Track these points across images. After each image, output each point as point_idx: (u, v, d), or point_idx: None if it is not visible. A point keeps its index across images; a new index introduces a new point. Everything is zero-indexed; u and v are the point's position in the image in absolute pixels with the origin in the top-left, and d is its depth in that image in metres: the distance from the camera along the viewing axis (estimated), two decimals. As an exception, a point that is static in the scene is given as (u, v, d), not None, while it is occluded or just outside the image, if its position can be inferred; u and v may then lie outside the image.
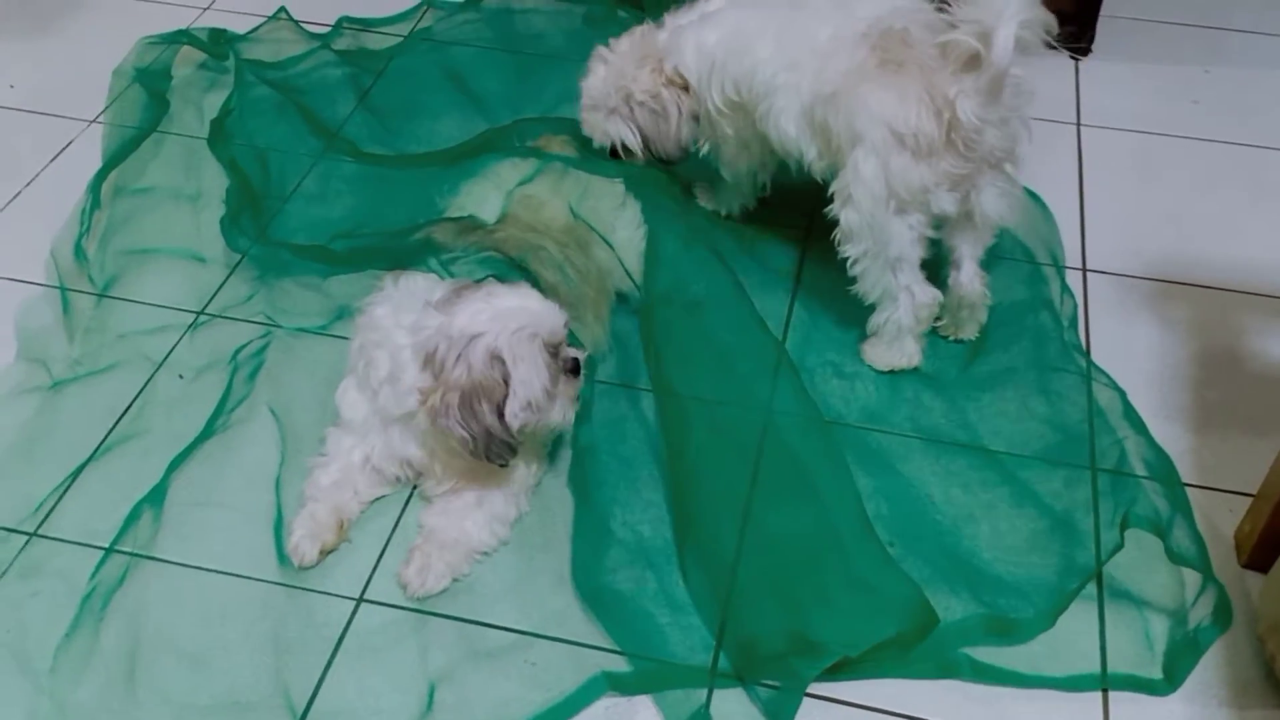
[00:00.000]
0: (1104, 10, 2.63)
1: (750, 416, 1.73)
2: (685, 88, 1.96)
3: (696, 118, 1.99)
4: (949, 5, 1.64)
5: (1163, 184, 2.33)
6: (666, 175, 2.07)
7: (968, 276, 1.88)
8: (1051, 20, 1.60)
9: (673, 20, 1.99)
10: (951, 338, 1.95)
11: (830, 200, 1.80)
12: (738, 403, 1.75)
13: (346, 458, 1.69)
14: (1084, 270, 2.12)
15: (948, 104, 1.65)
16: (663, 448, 1.74)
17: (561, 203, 1.93)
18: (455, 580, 1.61)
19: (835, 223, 1.81)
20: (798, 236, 2.13)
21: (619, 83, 1.98)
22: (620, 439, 1.79)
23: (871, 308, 1.86)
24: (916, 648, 1.52)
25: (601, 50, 2.03)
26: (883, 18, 1.74)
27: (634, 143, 2.01)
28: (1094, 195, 2.30)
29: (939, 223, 1.80)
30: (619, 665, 1.52)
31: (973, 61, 1.63)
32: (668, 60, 1.95)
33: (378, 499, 1.72)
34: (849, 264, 1.82)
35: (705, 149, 2.05)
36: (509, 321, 1.54)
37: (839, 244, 1.82)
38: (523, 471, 1.69)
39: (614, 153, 2.04)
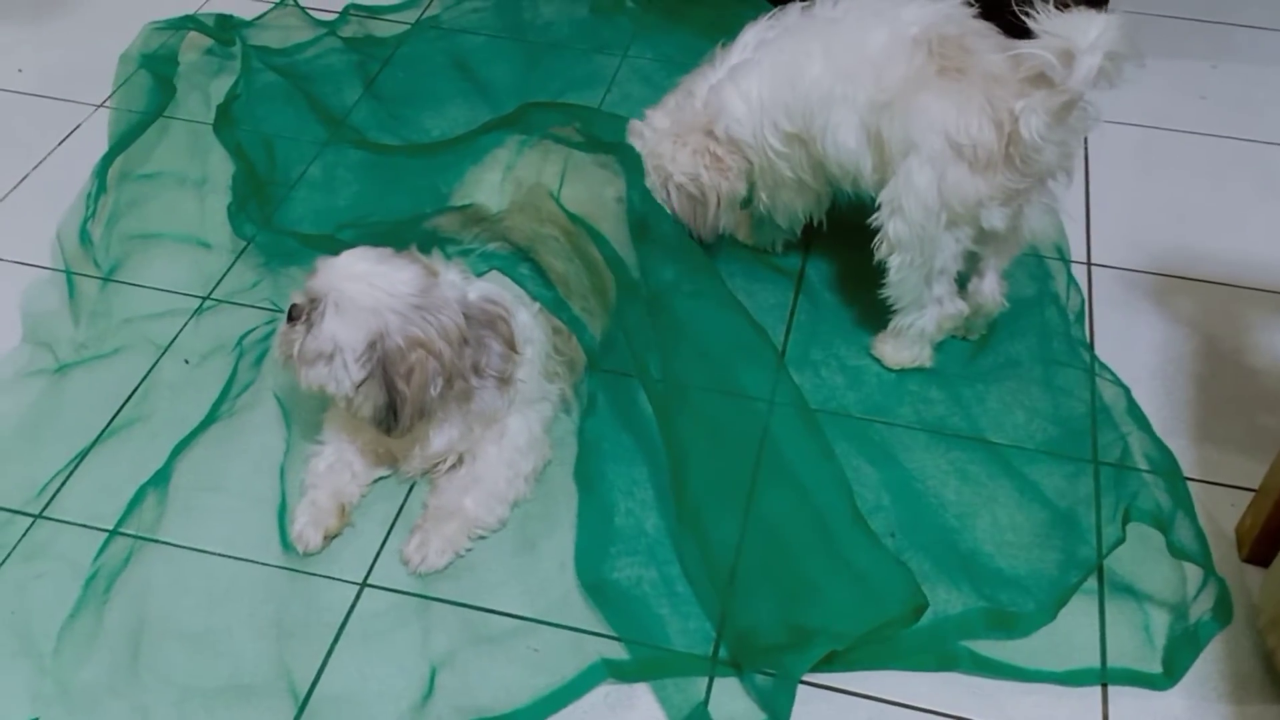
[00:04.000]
0: (1111, 5, 2.62)
1: (750, 407, 1.73)
2: (736, 155, 1.88)
3: (749, 180, 1.92)
4: (1030, 13, 1.54)
5: (1168, 179, 2.33)
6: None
7: (989, 286, 1.86)
8: (1136, 54, 1.54)
9: (699, 82, 1.91)
10: (959, 336, 1.94)
11: (874, 210, 1.75)
12: (736, 393, 1.75)
13: (341, 441, 1.70)
14: (1088, 264, 2.12)
15: (1010, 117, 1.59)
16: (661, 438, 1.73)
17: (570, 192, 1.92)
18: (458, 556, 1.62)
19: (864, 227, 1.77)
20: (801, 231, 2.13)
21: (656, 162, 1.92)
22: (625, 428, 1.80)
23: (877, 298, 1.85)
24: (916, 639, 1.52)
25: (636, 124, 1.97)
26: (936, 23, 1.68)
27: None
28: (1099, 189, 2.29)
29: (980, 236, 1.76)
30: (619, 653, 1.52)
31: (1042, 78, 1.56)
32: (717, 124, 1.87)
33: (380, 480, 1.72)
34: (888, 272, 1.79)
35: (764, 201, 1.96)
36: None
37: (880, 253, 1.77)
38: (517, 456, 1.69)
39: None
